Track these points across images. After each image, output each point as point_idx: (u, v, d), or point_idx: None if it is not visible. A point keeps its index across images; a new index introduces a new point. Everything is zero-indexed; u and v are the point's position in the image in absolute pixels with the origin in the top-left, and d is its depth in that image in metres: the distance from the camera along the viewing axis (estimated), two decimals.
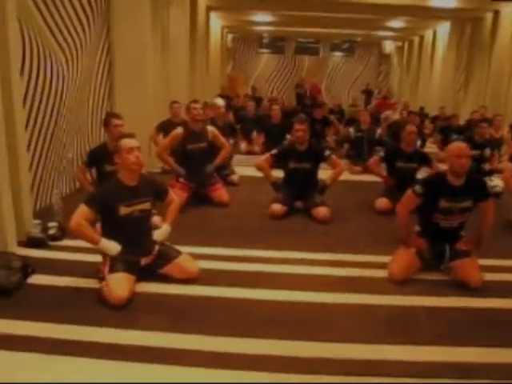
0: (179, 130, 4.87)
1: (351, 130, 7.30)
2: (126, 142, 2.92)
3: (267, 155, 4.90)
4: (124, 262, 2.84)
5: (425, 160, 5.23)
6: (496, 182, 5.74)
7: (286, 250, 3.77)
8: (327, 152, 4.75)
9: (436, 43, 14.49)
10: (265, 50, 22.54)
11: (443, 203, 3.23)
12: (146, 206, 3.02)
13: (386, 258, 3.61)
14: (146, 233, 3.06)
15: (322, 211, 4.53)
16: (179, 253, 3.11)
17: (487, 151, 6.30)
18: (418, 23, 14.48)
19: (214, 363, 2.26)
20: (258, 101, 13.29)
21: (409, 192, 3.33)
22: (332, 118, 9.62)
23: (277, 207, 4.57)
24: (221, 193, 4.95)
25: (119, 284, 2.72)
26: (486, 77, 11.37)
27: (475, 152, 6.15)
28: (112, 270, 2.79)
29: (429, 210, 3.29)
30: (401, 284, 3.22)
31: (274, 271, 3.39)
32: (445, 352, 2.47)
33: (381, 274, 3.39)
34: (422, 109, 12.39)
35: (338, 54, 22.77)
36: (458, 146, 3.25)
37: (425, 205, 3.27)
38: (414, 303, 3.00)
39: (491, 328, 2.74)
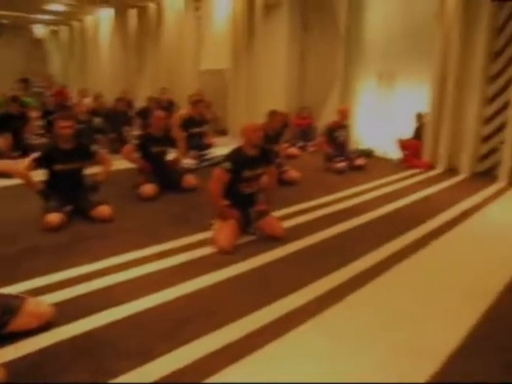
0: None
1: None
2: None
3: (28, 160, 4.21)
4: None
5: (172, 142, 5.56)
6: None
7: (96, 261, 3.40)
8: (94, 148, 4.46)
9: (100, 28, 14.62)
10: None
11: (246, 173, 3.70)
12: None
13: (192, 238, 3.87)
14: None
15: (105, 210, 4.29)
16: (23, 298, 2.48)
17: (205, 127, 7.11)
18: (78, 8, 14.20)
19: None
20: None
21: (218, 170, 3.64)
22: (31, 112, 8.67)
23: (54, 217, 4.03)
24: None
25: None
26: (159, 61, 12.37)
27: (198, 129, 6.92)
28: None
29: (236, 181, 3.69)
30: (232, 253, 3.55)
31: (109, 283, 3.08)
32: (303, 292, 2.99)
33: (204, 251, 3.63)
34: (82, 90, 12.22)
35: None
36: (251, 123, 3.74)
37: (232, 178, 3.65)
38: (254, 265, 3.41)
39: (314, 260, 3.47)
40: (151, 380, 2.13)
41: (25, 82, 17.88)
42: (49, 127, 8.51)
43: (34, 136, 8.25)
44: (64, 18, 16.53)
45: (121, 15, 13.57)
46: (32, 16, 16.71)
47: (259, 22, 9.27)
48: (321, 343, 2.45)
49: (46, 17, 16.45)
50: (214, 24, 11.05)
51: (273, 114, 5.70)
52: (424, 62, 7.16)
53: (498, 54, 6.41)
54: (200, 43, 11.44)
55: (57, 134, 4.17)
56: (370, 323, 2.66)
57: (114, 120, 8.37)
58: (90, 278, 3.11)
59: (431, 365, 2.27)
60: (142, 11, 12.73)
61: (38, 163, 4.16)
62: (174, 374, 2.19)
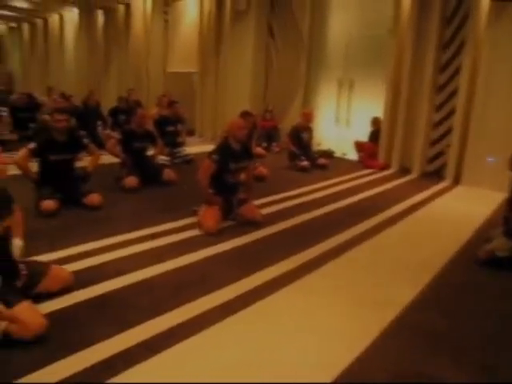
0: None
1: None
2: None
3: (24, 150, 4.48)
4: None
5: (152, 138, 5.96)
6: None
7: (89, 242, 3.76)
8: (86, 140, 4.81)
9: (64, 27, 14.66)
10: None
11: (232, 165, 4.18)
12: None
13: (178, 223, 4.31)
14: None
15: (95, 198, 4.65)
16: (47, 264, 2.86)
17: (179, 126, 7.53)
18: (42, 6, 14.17)
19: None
20: None
21: (206, 161, 4.11)
22: None
23: (49, 203, 4.34)
24: None
25: None
26: (125, 61, 12.60)
27: (172, 128, 7.33)
28: None
29: (222, 172, 4.17)
30: (216, 235, 4.01)
31: (112, 258, 3.48)
32: (279, 266, 3.48)
33: (191, 233, 4.07)
34: (50, 89, 12.23)
35: None
36: (239, 120, 4.23)
37: (219, 168, 4.13)
38: (236, 244, 3.90)
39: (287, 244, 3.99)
40: (163, 328, 2.57)
41: None
42: (18, 124, 8.70)
43: (5, 132, 8.42)
44: (26, 15, 16.37)
45: (87, 15, 13.68)
46: None
47: (227, 27, 9.76)
48: (298, 300, 2.97)
49: (7, 13, 16.24)
50: (182, 27, 11.43)
51: (246, 114, 6.19)
52: (380, 70, 7.88)
53: (444, 67, 7.21)
54: (167, 46, 11.78)
55: (52, 126, 4.49)
56: (338, 284, 3.21)
57: (85, 117, 8.63)
58: (96, 254, 3.51)
59: (390, 314, 2.84)
60: (109, 12, 12.92)
61: (34, 153, 4.46)
62: (179, 325, 2.62)
